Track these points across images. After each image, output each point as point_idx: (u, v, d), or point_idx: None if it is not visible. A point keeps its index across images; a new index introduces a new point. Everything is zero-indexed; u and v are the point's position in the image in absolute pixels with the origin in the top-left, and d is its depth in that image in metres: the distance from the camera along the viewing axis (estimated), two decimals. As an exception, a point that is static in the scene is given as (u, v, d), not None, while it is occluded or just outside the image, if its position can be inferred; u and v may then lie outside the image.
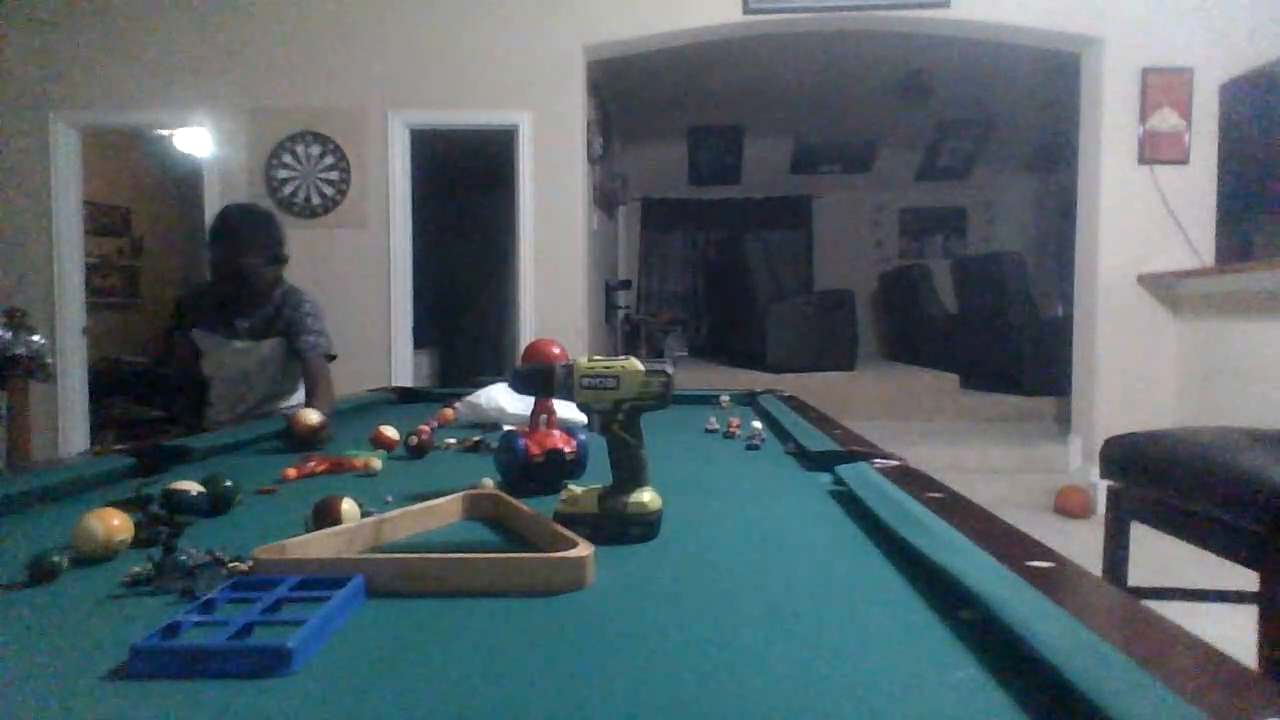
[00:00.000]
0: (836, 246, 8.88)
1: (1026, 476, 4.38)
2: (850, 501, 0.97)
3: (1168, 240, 4.05)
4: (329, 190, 4.31)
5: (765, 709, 0.46)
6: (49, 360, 3.68)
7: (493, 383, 1.82)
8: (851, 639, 0.57)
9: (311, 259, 4.20)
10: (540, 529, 0.80)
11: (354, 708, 0.47)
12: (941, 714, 0.45)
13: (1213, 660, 0.47)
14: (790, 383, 4.63)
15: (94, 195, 5.57)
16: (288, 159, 4.31)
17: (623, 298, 7.43)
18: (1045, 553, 0.69)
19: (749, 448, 1.43)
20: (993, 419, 5.51)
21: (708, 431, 1.61)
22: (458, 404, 1.81)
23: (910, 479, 1.01)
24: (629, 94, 6.67)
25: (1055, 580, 0.63)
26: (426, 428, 1.41)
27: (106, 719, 0.47)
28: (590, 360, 0.86)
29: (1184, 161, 4.04)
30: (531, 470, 1.07)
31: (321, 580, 0.65)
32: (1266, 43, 3.88)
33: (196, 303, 2.30)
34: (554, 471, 1.08)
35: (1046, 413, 5.48)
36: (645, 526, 0.84)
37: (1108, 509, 1.74)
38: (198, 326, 2.25)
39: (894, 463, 1.12)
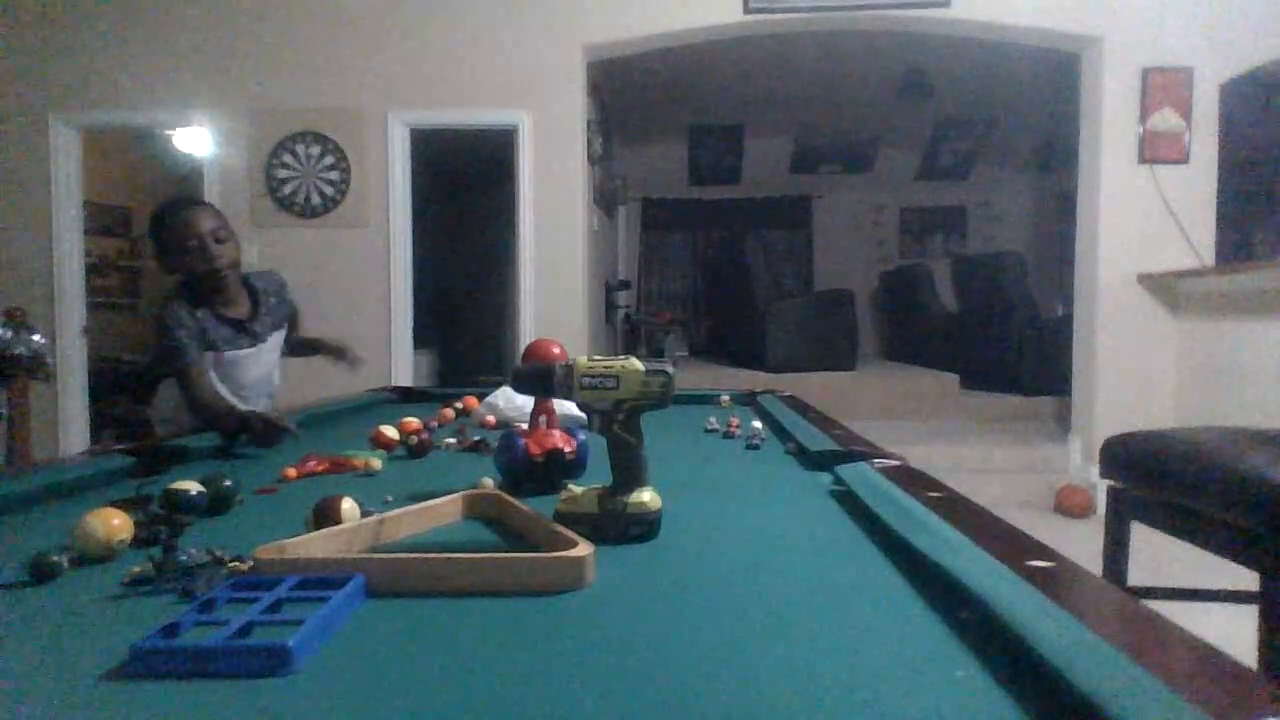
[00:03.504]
0: (836, 246, 8.87)
1: (1026, 476, 4.38)
2: (850, 501, 0.97)
3: (1168, 240, 4.05)
4: (329, 190, 4.31)
5: (765, 709, 0.46)
6: (49, 360, 3.68)
7: (501, 383, 1.82)
8: (851, 638, 0.57)
9: (311, 259, 4.20)
10: (540, 529, 0.80)
11: (354, 708, 0.47)
12: (941, 714, 0.45)
13: (1213, 660, 0.47)
14: (790, 383, 4.62)
15: (94, 195, 5.57)
16: (288, 159, 4.30)
17: (623, 298, 7.42)
18: (1045, 553, 0.69)
19: (749, 447, 1.43)
20: (993, 419, 5.50)
21: (708, 431, 1.61)
22: (478, 404, 1.80)
23: (910, 479, 1.01)
24: (629, 94, 6.66)
25: (1055, 580, 0.62)
26: (427, 433, 1.41)
27: (106, 719, 0.47)
28: (590, 360, 0.86)
29: (1184, 161, 4.04)
30: (532, 470, 1.07)
31: (321, 580, 0.65)
32: (1266, 43, 3.87)
33: (193, 311, 1.85)
34: (554, 471, 1.08)
35: (1046, 413, 5.48)
36: (645, 526, 0.84)
37: (1108, 509, 1.74)
38: (215, 336, 1.86)
39: (894, 462, 1.12)
